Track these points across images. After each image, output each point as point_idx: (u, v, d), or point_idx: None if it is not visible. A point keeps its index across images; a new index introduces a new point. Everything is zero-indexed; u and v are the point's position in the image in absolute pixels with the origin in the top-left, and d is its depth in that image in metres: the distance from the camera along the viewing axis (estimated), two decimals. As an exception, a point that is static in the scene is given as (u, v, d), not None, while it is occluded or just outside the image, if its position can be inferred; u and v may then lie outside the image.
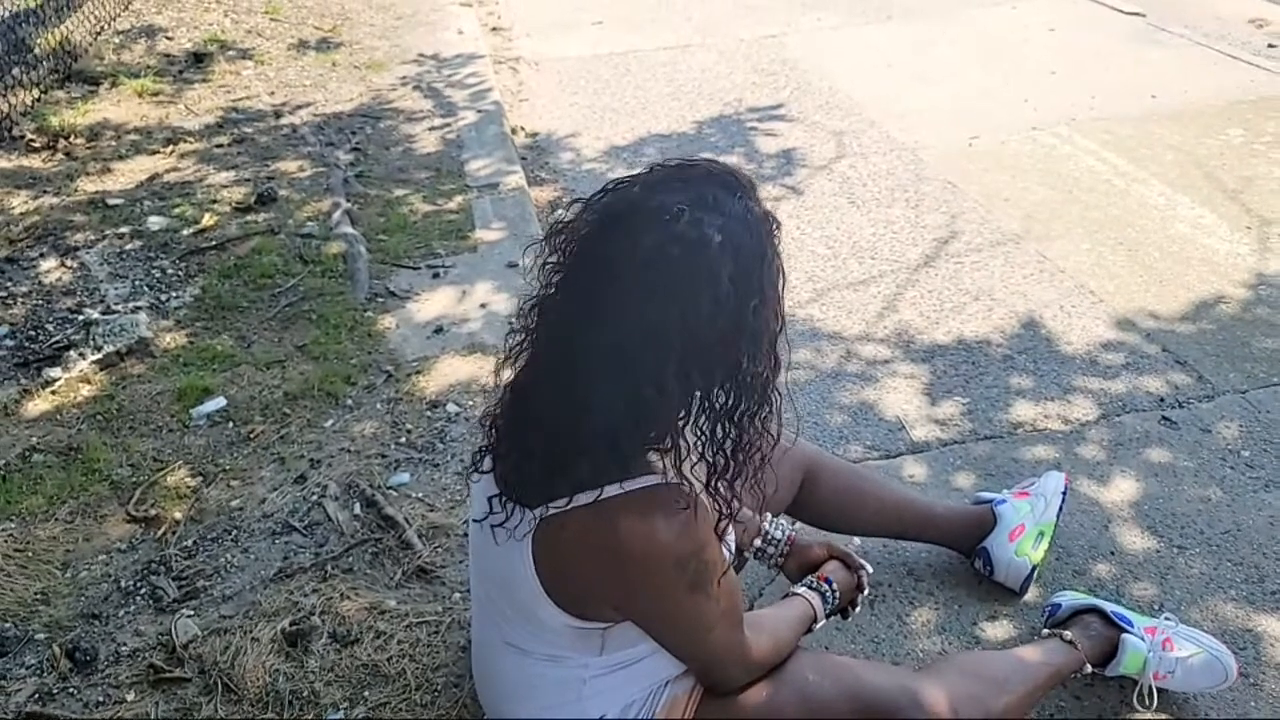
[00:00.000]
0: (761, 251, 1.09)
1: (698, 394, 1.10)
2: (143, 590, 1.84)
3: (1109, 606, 1.63)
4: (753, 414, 1.11)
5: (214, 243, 3.00)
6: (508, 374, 1.21)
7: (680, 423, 1.09)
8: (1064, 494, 1.88)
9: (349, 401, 2.34)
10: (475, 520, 1.22)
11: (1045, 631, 1.64)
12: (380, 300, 2.75)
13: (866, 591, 1.57)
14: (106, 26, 4.76)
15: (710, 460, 1.12)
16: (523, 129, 4.00)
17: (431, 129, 3.87)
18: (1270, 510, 2.00)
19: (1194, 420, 2.27)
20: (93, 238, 3.03)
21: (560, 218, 1.17)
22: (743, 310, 1.06)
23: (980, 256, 2.98)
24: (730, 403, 1.10)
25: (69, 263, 2.91)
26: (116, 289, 2.78)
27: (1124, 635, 1.59)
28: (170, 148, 3.66)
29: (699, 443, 1.12)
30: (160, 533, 1.96)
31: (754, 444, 1.13)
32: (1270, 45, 4.64)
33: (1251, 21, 4.97)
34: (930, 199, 3.33)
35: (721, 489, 1.14)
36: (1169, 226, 3.10)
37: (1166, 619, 1.64)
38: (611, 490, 1.10)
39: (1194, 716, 1.59)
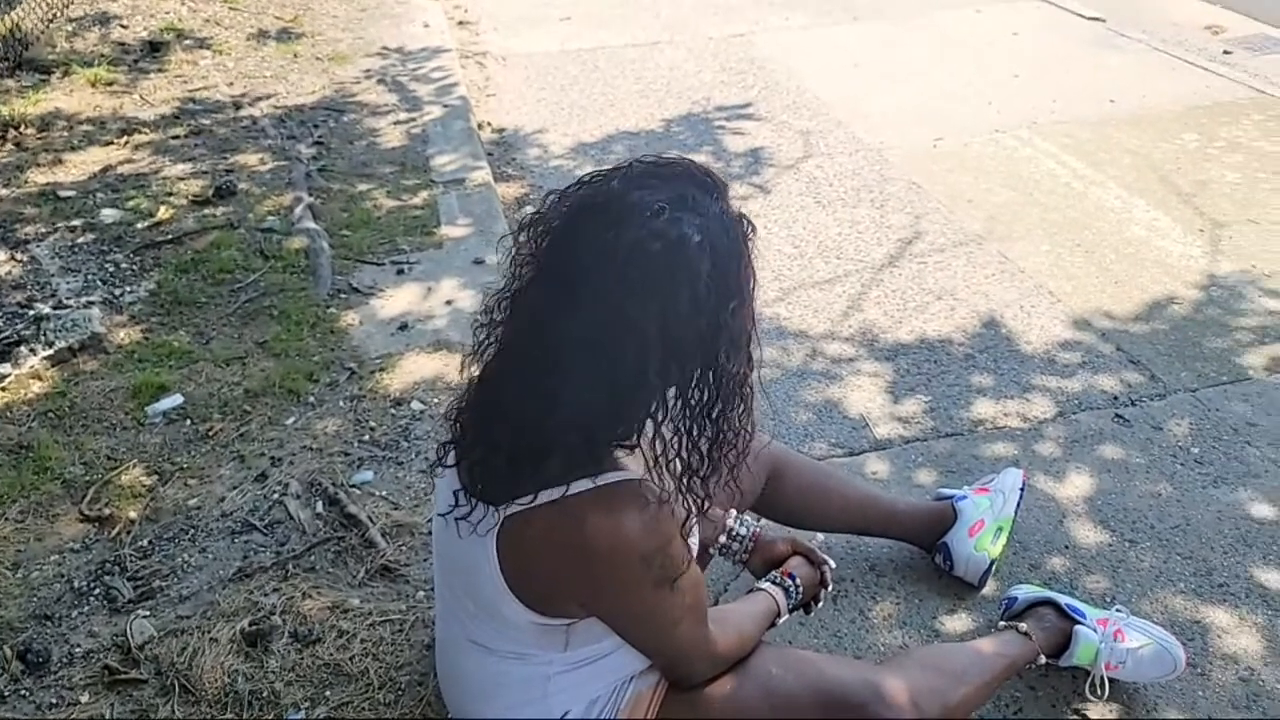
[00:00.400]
0: (738, 252, 1.10)
1: (674, 391, 1.10)
2: (97, 591, 1.80)
3: (1063, 599, 1.67)
4: (730, 411, 1.12)
5: (170, 236, 2.95)
6: (475, 368, 1.20)
7: (656, 420, 1.09)
8: (1022, 490, 1.91)
9: (311, 399, 2.31)
10: (439, 514, 1.22)
11: (1002, 624, 1.67)
12: (343, 296, 2.72)
13: (830, 587, 1.59)
14: (59, 14, 4.65)
15: (686, 458, 1.13)
16: (489, 124, 3.98)
17: (396, 123, 3.84)
18: (1218, 505, 2.05)
19: (1146, 418, 2.32)
20: (44, 230, 2.97)
21: (535, 209, 1.16)
22: (721, 310, 1.07)
23: (943, 257, 3.02)
24: (708, 400, 1.11)
25: (19, 256, 2.84)
26: (68, 283, 2.72)
27: (1077, 627, 1.62)
28: (125, 139, 3.59)
29: (675, 440, 1.12)
30: (115, 532, 1.92)
31: (731, 441, 1.14)
32: (1225, 51, 4.75)
33: (1207, 28, 5.09)
34: (895, 199, 3.37)
35: (696, 486, 1.14)
36: (1125, 229, 3.16)
37: (1118, 611, 1.68)
38: (578, 486, 1.10)
39: (1144, 706, 1.63)
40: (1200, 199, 3.33)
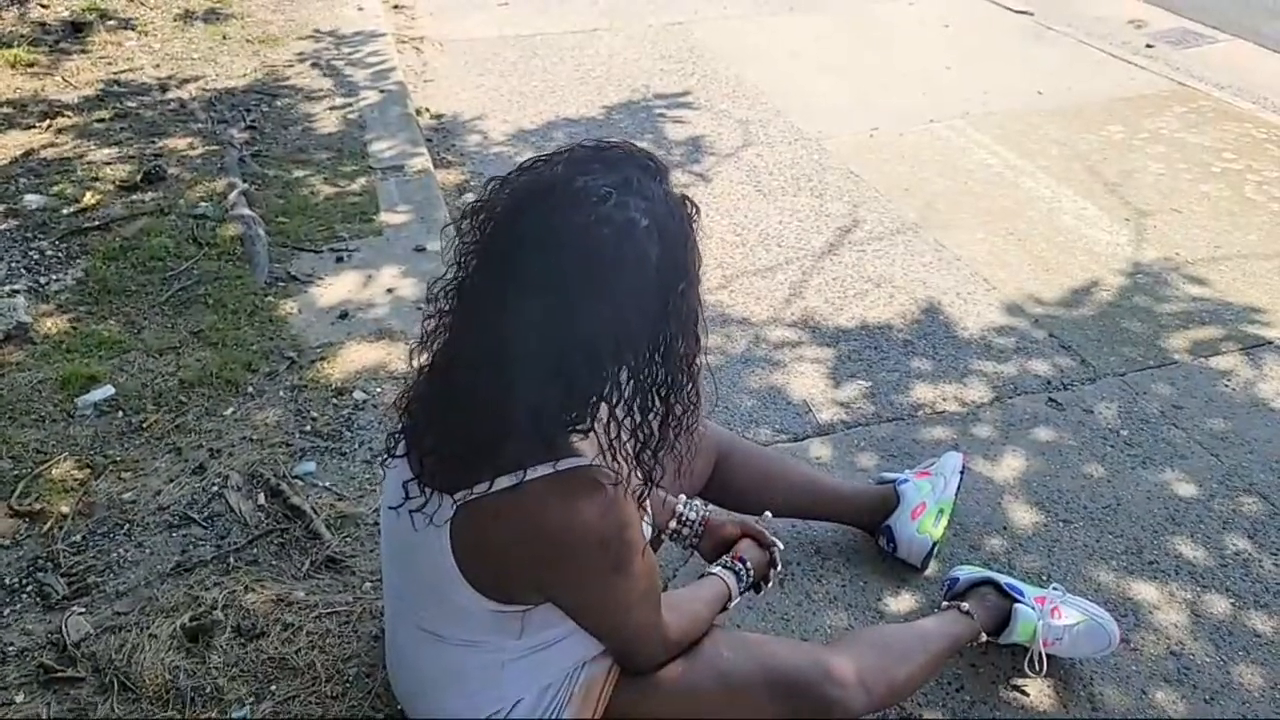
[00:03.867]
0: (685, 234, 1.10)
1: (627, 373, 1.10)
2: (29, 588, 1.74)
3: (1002, 578, 1.71)
4: (678, 389, 1.13)
5: (97, 223, 2.85)
6: (423, 357, 1.19)
7: (610, 403, 1.10)
8: (961, 473, 1.96)
9: (250, 389, 2.26)
10: (391, 507, 1.20)
11: (944, 604, 1.71)
12: (281, 284, 2.66)
13: (779, 568, 1.61)
14: (-28, -11, 4.45)
15: (638, 435, 1.13)
16: (427, 110, 3.92)
17: (332, 108, 3.76)
18: (1146, 485, 2.14)
19: (1077, 401, 2.40)
20: (-38, 216, 2.84)
21: (478, 196, 1.15)
22: (670, 292, 1.07)
23: (882, 245, 3.07)
24: (659, 380, 1.12)
25: (-64, 242, 2.72)
26: (-10, 271, 2.61)
27: (1016, 605, 1.67)
28: (47, 122, 3.45)
29: (628, 419, 1.12)
30: (46, 527, 1.86)
31: (680, 417, 1.15)
32: (1148, 45, 4.91)
33: (1131, 22, 5.25)
34: (833, 188, 3.41)
35: (646, 459, 1.15)
36: (1055, 218, 3.25)
37: (1054, 589, 1.73)
38: (535, 472, 1.10)
39: (1080, 680, 1.69)
40: (1125, 189, 3.45)
